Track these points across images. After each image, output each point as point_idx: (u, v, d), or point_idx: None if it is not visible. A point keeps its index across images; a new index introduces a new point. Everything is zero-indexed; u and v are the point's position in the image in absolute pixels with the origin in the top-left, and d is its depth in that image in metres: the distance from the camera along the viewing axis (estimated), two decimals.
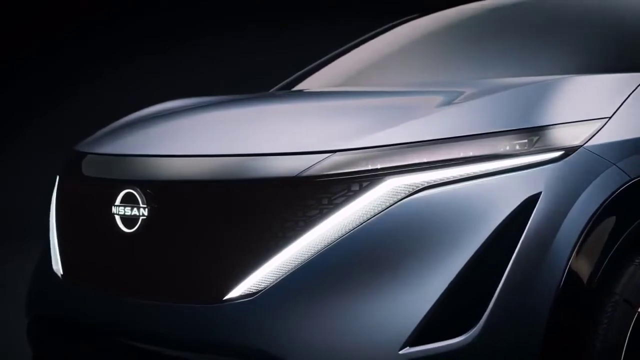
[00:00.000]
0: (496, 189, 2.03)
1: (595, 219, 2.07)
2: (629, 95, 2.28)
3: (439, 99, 2.27)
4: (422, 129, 2.10)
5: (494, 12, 3.57)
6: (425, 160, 2.04)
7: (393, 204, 2.02)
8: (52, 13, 7.38)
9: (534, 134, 2.09)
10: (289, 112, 2.56)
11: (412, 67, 3.44)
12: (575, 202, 2.06)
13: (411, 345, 1.93)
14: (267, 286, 2.03)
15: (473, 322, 1.95)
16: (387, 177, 2.03)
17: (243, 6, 7.52)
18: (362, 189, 2.03)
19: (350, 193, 2.03)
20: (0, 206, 6.95)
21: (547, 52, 3.07)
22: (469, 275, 1.96)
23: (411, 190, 2.02)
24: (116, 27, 7.51)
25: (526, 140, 2.08)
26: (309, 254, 2.02)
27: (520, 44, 3.20)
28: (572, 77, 2.34)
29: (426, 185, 2.03)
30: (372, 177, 2.03)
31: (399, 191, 2.02)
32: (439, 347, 1.94)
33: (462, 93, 2.27)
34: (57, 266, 2.51)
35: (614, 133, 2.18)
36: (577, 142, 2.12)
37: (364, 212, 2.02)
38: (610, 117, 2.20)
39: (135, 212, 2.24)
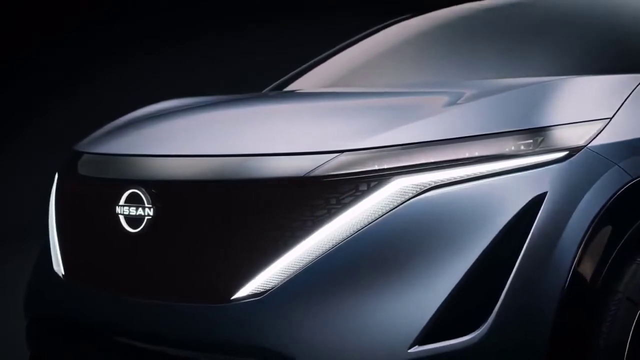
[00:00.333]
0: (503, 188, 2.04)
1: (599, 219, 2.08)
2: (628, 96, 2.30)
3: (444, 99, 2.28)
4: (429, 129, 2.11)
5: (487, 13, 3.57)
6: (432, 160, 2.05)
7: (401, 204, 2.03)
8: (52, 13, 7.38)
9: (538, 134, 2.10)
10: (295, 112, 2.57)
11: (402, 68, 3.45)
12: (579, 202, 2.07)
13: (420, 344, 1.95)
14: (275, 286, 2.04)
15: (481, 321, 1.96)
16: (394, 177, 2.04)
17: (243, 6, 7.52)
18: (370, 189, 2.04)
19: (358, 193, 2.04)
20: (0, 206, 6.94)
21: (539, 54, 3.09)
22: (477, 274, 1.98)
23: (418, 190, 2.03)
24: (116, 27, 7.50)
25: (531, 141, 2.09)
26: (317, 253, 2.03)
27: (511, 45, 3.21)
28: (573, 78, 2.36)
29: (433, 185, 2.04)
30: (379, 177, 2.04)
31: (406, 191, 2.03)
32: (447, 346, 1.95)
33: (463, 94, 2.28)
34: (58, 267, 2.51)
35: (615, 133, 2.20)
36: (580, 143, 2.13)
37: (371, 212, 2.03)
38: (611, 118, 2.22)
39: (140, 212, 2.24)
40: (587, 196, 2.09)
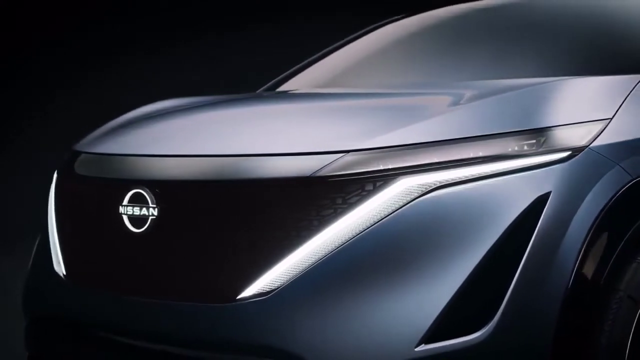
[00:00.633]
0: (507, 188, 2.05)
1: (601, 219, 2.10)
2: (627, 97, 2.32)
3: (447, 99, 2.29)
4: (433, 130, 2.12)
5: (482, 13, 3.58)
6: (437, 160, 2.07)
7: (406, 204, 2.04)
8: (52, 13, 7.37)
9: (541, 135, 2.11)
10: (299, 112, 2.57)
11: (394, 69, 3.46)
12: (582, 202, 2.09)
13: (426, 343, 1.96)
14: (281, 285, 2.05)
15: (487, 320, 1.98)
16: (400, 177, 2.05)
17: (243, 6, 7.52)
18: (376, 189, 2.05)
19: (364, 193, 2.05)
20: (0, 206, 6.93)
21: (535, 54, 3.09)
22: (482, 273, 1.99)
23: (423, 190, 2.05)
24: (116, 26, 7.49)
25: (534, 141, 2.10)
26: (323, 253, 2.04)
27: (506, 46, 3.22)
28: (574, 79, 2.38)
29: (438, 185, 2.05)
30: (385, 177, 2.06)
31: (411, 191, 2.05)
32: (453, 344, 1.97)
33: (463, 94, 2.29)
34: (59, 267, 2.51)
35: (615, 134, 2.21)
36: (582, 143, 2.15)
37: (377, 212, 2.04)
38: (611, 118, 2.24)
39: (144, 212, 2.24)
40: (589, 196, 2.10)
